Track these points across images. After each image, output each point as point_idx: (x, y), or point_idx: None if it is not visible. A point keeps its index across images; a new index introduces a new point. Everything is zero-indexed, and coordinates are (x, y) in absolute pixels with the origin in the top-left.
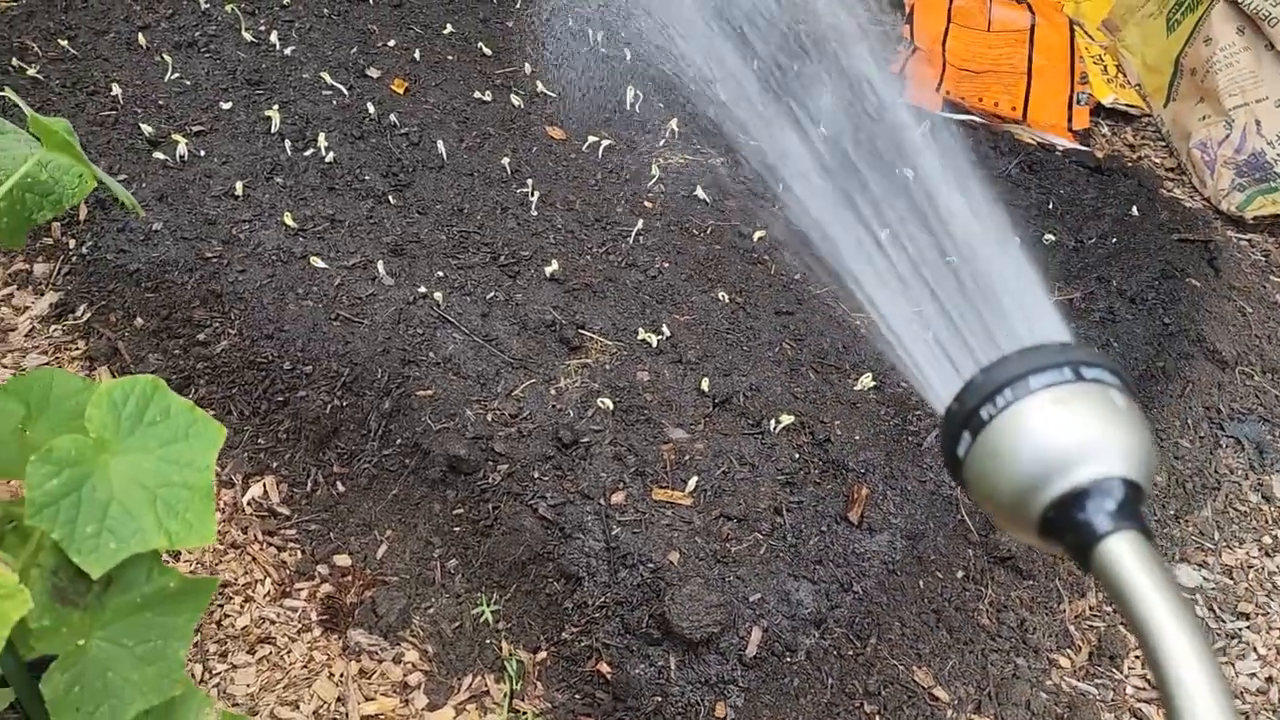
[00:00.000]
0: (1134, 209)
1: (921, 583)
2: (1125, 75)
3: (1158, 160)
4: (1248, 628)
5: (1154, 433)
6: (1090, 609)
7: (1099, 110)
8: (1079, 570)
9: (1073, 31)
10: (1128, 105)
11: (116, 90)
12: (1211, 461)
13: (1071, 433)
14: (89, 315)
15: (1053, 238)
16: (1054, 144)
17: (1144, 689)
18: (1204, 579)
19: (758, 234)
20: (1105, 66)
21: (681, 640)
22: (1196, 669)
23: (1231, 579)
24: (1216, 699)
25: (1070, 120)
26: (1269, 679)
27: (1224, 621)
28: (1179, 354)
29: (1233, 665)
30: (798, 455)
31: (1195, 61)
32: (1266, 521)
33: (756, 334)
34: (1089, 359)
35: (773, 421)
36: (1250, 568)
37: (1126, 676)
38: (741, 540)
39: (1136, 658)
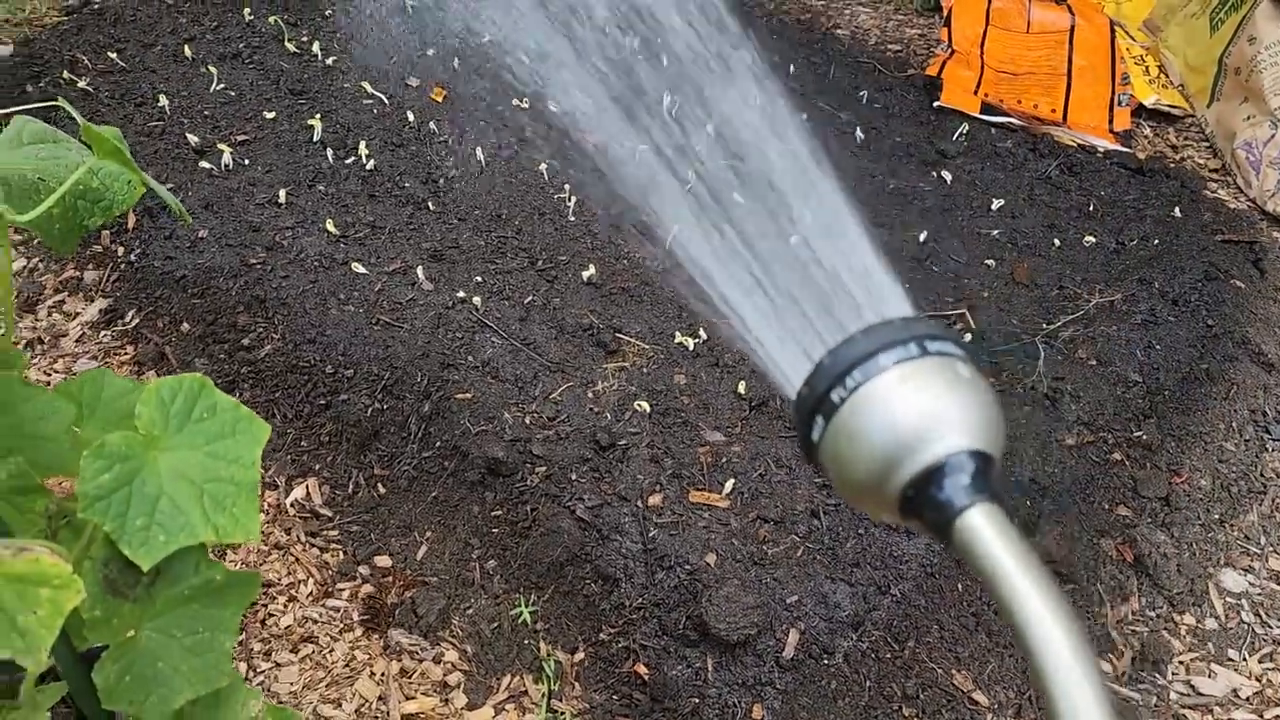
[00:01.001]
0: (1177, 210)
1: (960, 585)
2: (1167, 75)
3: (1201, 161)
4: None
5: (997, 402)
6: (1133, 614)
7: (1140, 111)
8: (940, 545)
9: (1113, 32)
10: (1170, 106)
11: (164, 101)
12: (1257, 465)
13: (923, 410)
14: (137, 321)
15: (1094, 239)
16: (1095, 145)
17: (1188, 695)
18: (1249, 584)
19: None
20: (1147, 67)
21: (719, 642)
22: (1059, 634)
23: (1278, 584)
24: (1080, 662)
25: (1111, 121)
26: None
27: (1270, 627)
28: (1223, 357)
29: (1279, 671)
30: None
31: (1239, 61)
32: None
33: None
34: (933, 332)
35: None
36: None
37: (1170, 682)
38: (779, 542)
39: (1181, 663)
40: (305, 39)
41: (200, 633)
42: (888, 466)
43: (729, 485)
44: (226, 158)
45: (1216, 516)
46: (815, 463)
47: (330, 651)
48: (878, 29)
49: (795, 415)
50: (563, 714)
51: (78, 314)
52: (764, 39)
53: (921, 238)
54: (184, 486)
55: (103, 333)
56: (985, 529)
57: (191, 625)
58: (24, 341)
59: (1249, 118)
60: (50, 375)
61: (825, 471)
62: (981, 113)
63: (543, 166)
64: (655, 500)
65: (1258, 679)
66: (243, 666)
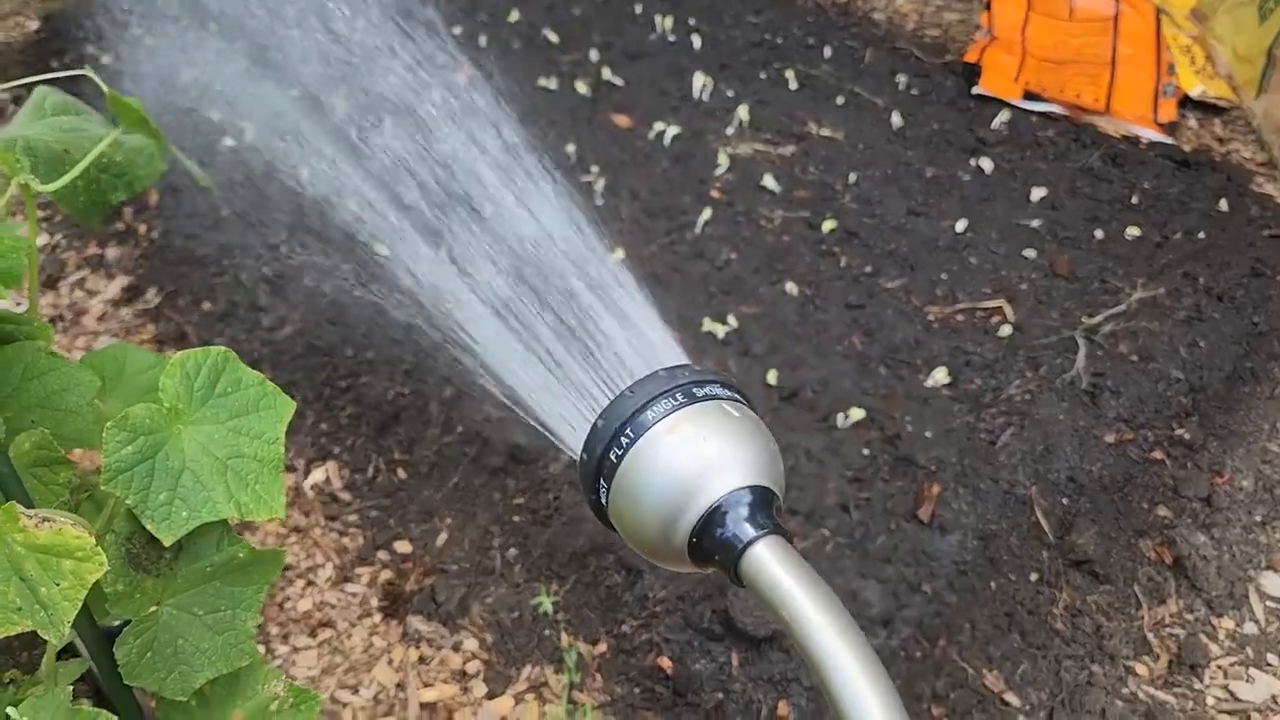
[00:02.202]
0: (1223, 204)
1: (993, 584)
2: (1214, 66)
3: (1248, 154)
4: None
5: (773, 435)
6: (1170, 616)
7: (1186, 102)
8: (734, 585)
9: (1159, 20)
10: (1217, 97)
11: (187, 76)
12: None
13: (693, 457)
14: (159, 299)
15: (1137, 232)
16: (1139, 136)
17: (1226, 700)
18: None
19: (827, 224)
20: (1193, 57)
21: (744, 637)
22: (849, 659)
23: None
24: (871, 684)
25: (1156, 112)
26: None
27: None
28: (1269, 355)
29: None
30: (867, 451)
31: None
32: None
33: (826, 327)
34: (699, 378)
35: (841, 416)
36: None
37: (1208, 687)
38: (808, 536)
39: (1219, 668)
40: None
41: (222, 610)
42: (670, 517)
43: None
44: (250, 136)
45: (1258, 518)
46: (609, 525)
47: (348, 637)
48: (916, 13)
49: (582, 485)
50: (584, 705)
51: (99, 291)
52: (799, 21)
53: (959, 227)
54: (207, 462)
55: (124, 310)
56: (770, 561)
57: (213, 603)
58: (46, 319)
59: None
60: (72, 353)
61: (619, 533)
62: (1023, 100)
63: (570, 148)
64: None
65: None
66: (260, 649)
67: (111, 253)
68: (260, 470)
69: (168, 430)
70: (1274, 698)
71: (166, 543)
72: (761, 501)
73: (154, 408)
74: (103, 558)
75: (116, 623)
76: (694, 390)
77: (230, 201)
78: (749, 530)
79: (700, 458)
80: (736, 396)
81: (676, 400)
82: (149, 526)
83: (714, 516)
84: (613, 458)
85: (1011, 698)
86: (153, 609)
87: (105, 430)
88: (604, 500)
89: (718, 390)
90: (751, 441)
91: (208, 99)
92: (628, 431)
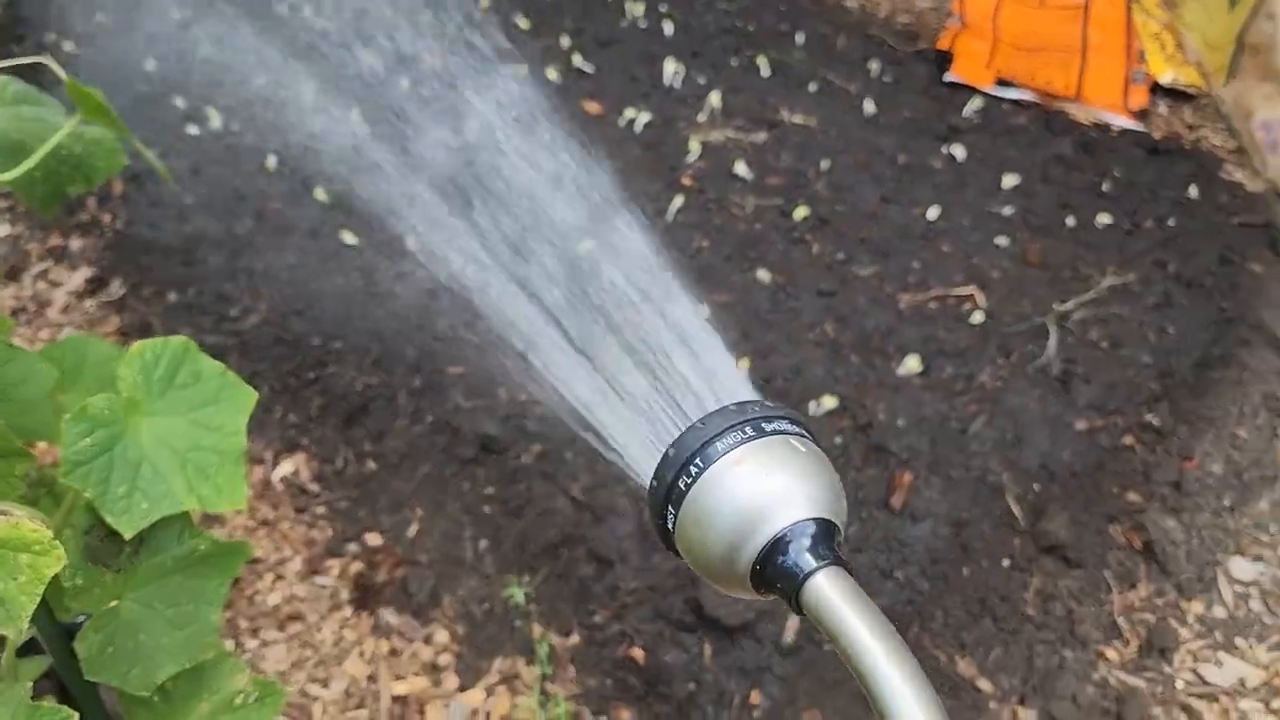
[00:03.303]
0: (1193, 191)
1: (965, 571)
2: (1185, 53)
3: (1218, 141)
4: None
5: (837, 472)
6: (1140, 601)
7: (1156, 89)
8: (795, 614)
9: (1129, 7)
10: (1187, 84)
11: (151, 65)
12: (1270, 452)
13: (762, 487)
14: (123, 290)
15: (1107, 219)
16: (1110, 123)
17: (1195, 684)
18: (1260, 572)
19: (800, 212)
20: (1163, 44)
21: (716, 626)
22: (908, 693)
23: None
24: (928, 716)
25: (1126, 99)
26: None
27: (1279, 616)
28: (1237, 340)
29: None
30: (839, 439)
31: (1258, 38)
32: None
33: (798, 315)
34: (767, 413)
35: (814, 404)
36: None
37: (1177, 671)
38: None
39: (1189, 652)
40: (295, 1)
41: (184, 604)
42: (735, 545)
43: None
44: (215, 124)
45: (1227, 503)
46: (674, 551)
47: (318, 630)
48: (888, 1)
49: (649, 509)
50: (556, 697)
51: (63, 283)
52: (772, 8)
53: (931, 215)
54: (167, 454)
55: (88, 302)
56: (831, 592)
57: (175, 597)
58: (8, 310)
59: (1268, 96)
60: (35, 345)
61: (685, 559)
62: (994, 87)
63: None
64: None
65: (1265, 668)
66: (229, 644)
67: (75, 244)
68: (221, 462)
69: (126, 422)
70: (1242, 681)
71: (126, 536)
72: (824, 533)
73: (113, 399)
74: (60, 551)
75: (78, 618)
76: (762, 425)
77: (195, 190)
78: (810, 560)
79: (766, 490)
80: (803, 432)
81: (745, 434)
82: (109, 520)
83: (777, 546)
84: (681, 485)
85: (984, 683)
86: (113, 603)
87: (63, 422)
88: (671, 526)
89: (785, 426)
90: (816, 476)
91: (172, 88)
92: (697, 461)
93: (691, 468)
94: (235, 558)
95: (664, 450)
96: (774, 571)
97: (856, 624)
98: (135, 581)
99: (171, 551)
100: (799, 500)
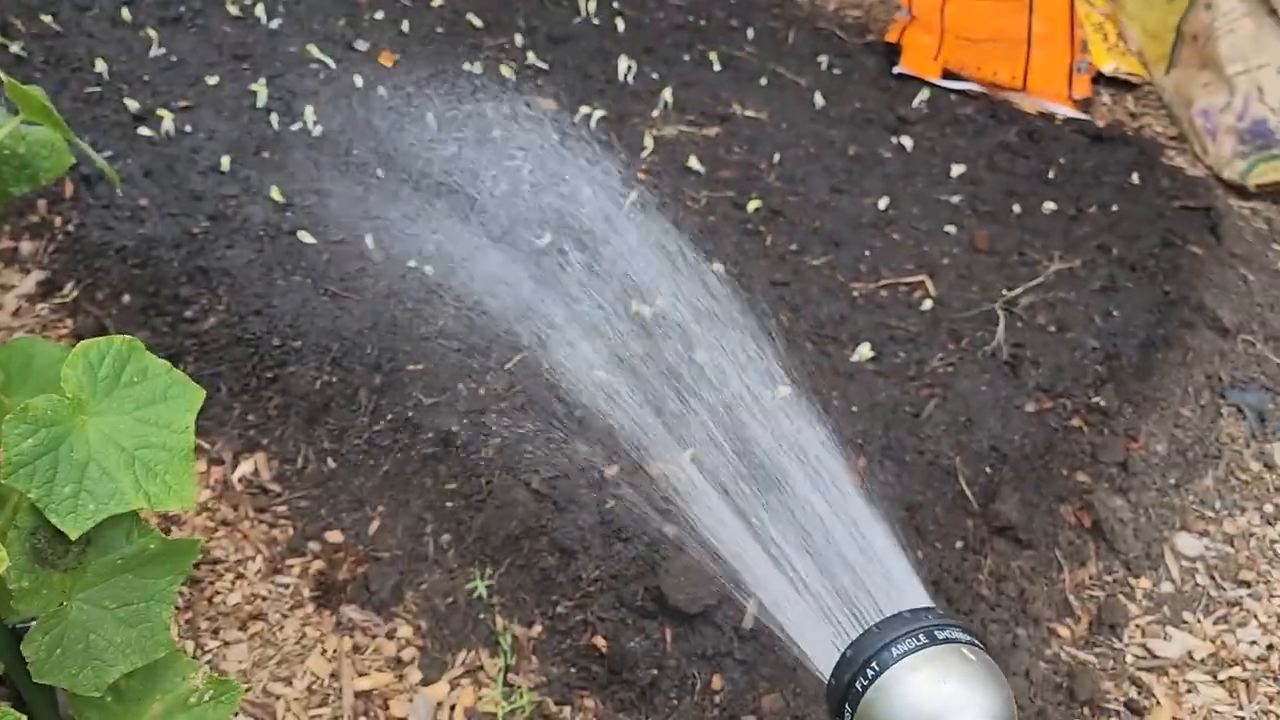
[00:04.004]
0: (1135, 177)
1: (920, 553)
2: (1126, 42)
3: (1159, 128)
4: (1249, 595)
5: (1009, 680)
6: (1090, 578)
7: (1100, 78)
8: None
9: None
10: (1129, 73)
11: (101, 66)
12: (1213, 430)
13: (933, 696)
14: (76, 293)
15: (1053, 206)
16: (1055, 113)
17: (1144, 658)
18: (1205, 548)
19: (752, 204)
20: (1106, 34)
21: (677, 613)
22: None
23: (1233, 547)
24: None
25: (1071, 89)
26: (1269, 646)
27: (1225, 590)
28: (1180, 322)
29: (1234, 633)
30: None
31: (1197, 28)
32: (1268, 490)
33: (752, 304)
34: (940, 621)
35: (769, 392)
36: (1251, 536)
37: (1127, 645)
38: None
39: (1137, 627)
40: (248, 2)
41: (135, 603)
42: None
43: (688, 454)
44: (167, 124)
45: (1173, 481)
46: None
47: (280, 629)
48: None
49: (828, 705)
50: (519, 688)
51: (14, 286)
52: (723, 3)
53: (881, 204)
54: (114, 453)
55: (40, 306)
56: None
57: (125, 595)
58: None
59: (1206, 85)
60: None
61: None
62: (942, 79)
63: (497, 133)
64: (613, 471)
65: (1212, 640)
66: (190, 645)
67: (26, 246)
68: (170, 460)
69: (71, 421)
70: (1190, 653)
71: (73, 536)
72: None
73: (56, 399)
74: (3, 553)
75: (25, 621)
76: (935, 633)
77: (148, 192)
78: None
79: (938, 697)
80: (975, 641)
81: (919, 640)
82: (54, 520)
83: None
84: (858, 687)
85: None
86: (62, 604)
87: (5, 424)
88: None
89: (958, 634)
90: (986, 686)
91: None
92: (873, 665)
93: (868, 670)
94: (186, 555)
95: (842, 650)
96: None
97: None
98: (84, 581)
99: (121, 551)
100: (969, 709)
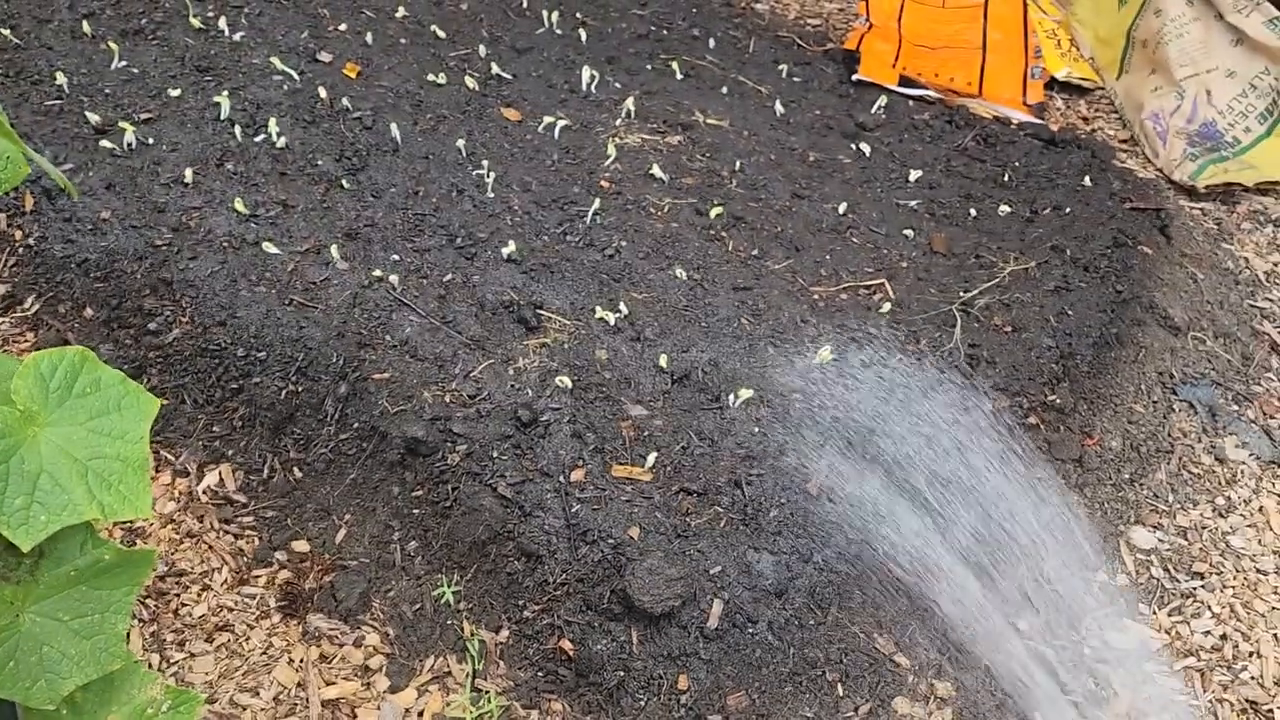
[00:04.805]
0: (1087, 180)
1: (881, 550)
2: (1079, 49)
3: (1111, 132)
4: (1202, 586)
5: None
6: (1049, 573)
7: (1053, 84)
8: None
9: (1026, 6)
10: (1081, 79)
11: (61, 79)
12: (1165, 425)
13: None
14: (37, 307)
15: (1008, 209)
16: (1009, 117)
17: (1101, 649)
18: (1159, 540)
19: (715, 210)
20: (1059, 41)
21: (643, 615)
22: None
23: (1186, 539)
24: None
25: (1025, 94)
26: (1223, 636)
27: (1179, 581)
28: (1132, 320)
29: (1188, 624)
30: (757, 429)
31: (1146, 33)
32: (1219, 483)
33: (714, 310)
34: None
35: (732, 396)
36: (1204, 528)
37: (1085, 638)
38: (701, 514)
39: (1094, 619)
40: (211, 14)
41: (89, 615)
42: None
43: (651, 459)
44: (129, 137)
45: (1127, 476)
46: None
47: (246, 640)
48: (797, 3)
49: None
50: (487, 693)
51: None
52: (684, 13)
53: (841, 209)
54: (66, 463)
55: (0, 320)
56: None
57: (79, 607)
58: None
59: (1156, 89)
60: None
61: None
62: (899, 86)
63: (460, 143)
64: (578, 475)
65: (1167, 632)
66: (155, 658)
67: None
68: (124, 470)
69: (23, 433)
70: (1145, 645)
71: (25, 548)
72: None
73: (6, 411)
74: None
75: None
76: None
77: (109, 204)
78: None
79: None
80: None
81: None
82: (5, 533)
83: None
84: None
85: (901, 659)
86: (14, 617)
87: None
88: None
89: None
90: None
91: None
92: None
93: None
94: (142, 566)
95: None
96: None
97: None
98: (37, 594)
99: (74, 562)
100: None
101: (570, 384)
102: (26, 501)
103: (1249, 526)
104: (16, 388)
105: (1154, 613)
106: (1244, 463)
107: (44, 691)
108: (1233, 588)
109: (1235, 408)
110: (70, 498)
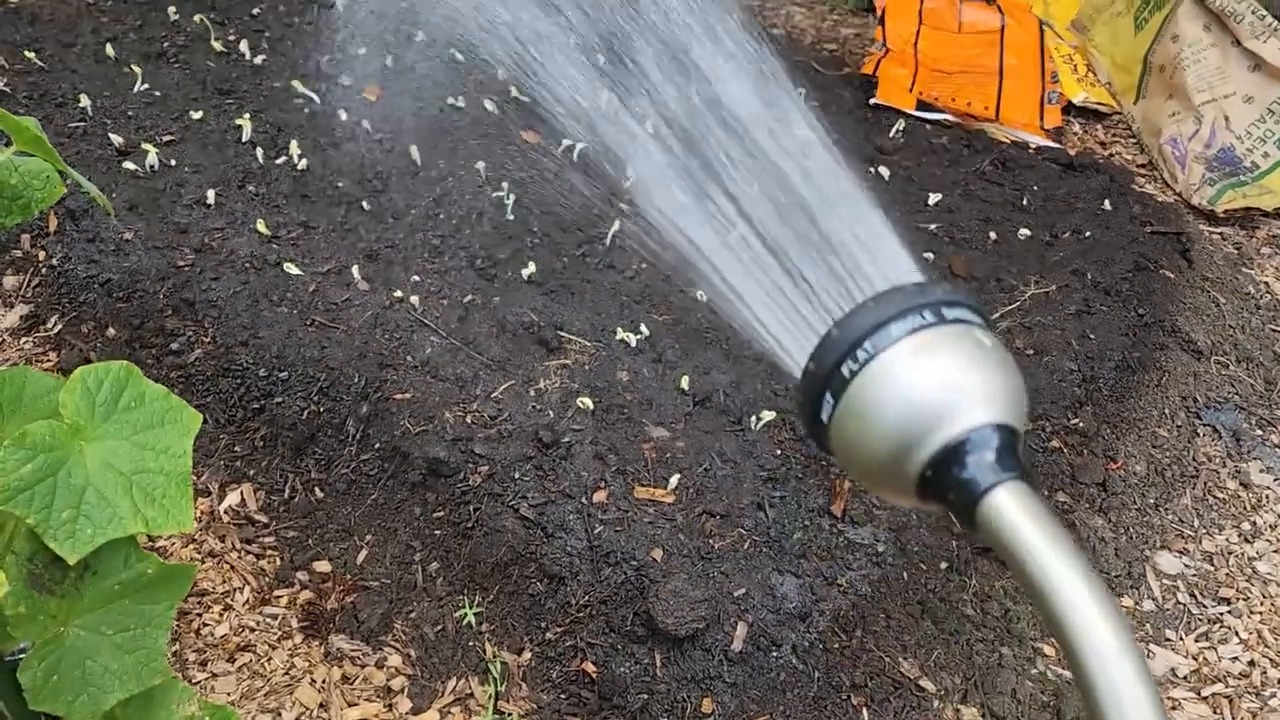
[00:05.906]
0: (1106, 203)
1: (906, 574)
2: (1095, 74)
3: (1129, 157)
4: (1229, 612)
5: (1019, 371)
6: None
7: (1070, 108)
8: (962, 528)
9: (1042, 32)
10: (1098, 103)
11: (85, 101)
12: (1190, 450)
13: (941, 383)
14: (60, 327)
15: (1028, 232)
16: (1027, 142)
17: None
18: (1185, 566)
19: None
20: (1075, 66)
21: (666, 637)
22: (1099, 623)
23: (1212, 565)
24: (1123, 652)
25: (1042, 118)
26: (1251, 663)
27: (1205, 607)
28: (1154, 345)
29: (1215, 650)
30: (779, 451)
31: (1163, 59)
32: (1245, 508)
33: (735, 332)
34: (949, 297)
35: (754, 418)
36: (1230, 554)
37: None
38: (725, 536)
39: None
40: (232, 38)
41: (131, 629)
42: (904, 445)
43: (674, 480)
44: (152, 158)
45: (1151, 501)
46: (823, 446)
47: (268, 660)
48: (813, 28)
49: (800, 394)
50: (510, 715)
51: None
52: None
53: None
54: (112, 477)
55: (24, 340)
56: (1014, 510)
57: (122, 621)
58: None
59: (1174, 114)
60: None
61: (836, 455)
62: (917, 110)
63: (480, 164)
64: (600, 497)
65: (1194, 658)
66: (175, 676)
67: (9, 280)
68: (167, 484)
69: (70, 447)
70: (1173, 671)
71: (71, 561)
72: (1008, 442)
73: (55, 424)
74: (1, 579)
75: (19, 648)
76: (943, 310)
77: (131, 225)
78: (993, 473)
79: (947, 385)
80: (986, 324)
81: (924, 318)
82: (52, 545)
83: (955, 452)
84: (845, 372)
85: (926, 683)
86: (58, 631)
87: (2, 449)
88: (826, 418)
89: (968, 315)
90: (1003, 375)
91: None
92: (866, 346)
93: (859, 353)
94: (182, 581)
95: (826, 329)
96: (948, 481)
97: (1045, 552)
98: (81, 607)
99: (118, 576)
100: (983, 402)
101: (592, 405)
102: (73, 514)
103: (1275, 552)
104: (64, 401)
105: (1181, 638)
106: (1269, 488)
107: (86, 706)
108: (1260, 613)
109: (1259, 432)
110: (116, 511)
